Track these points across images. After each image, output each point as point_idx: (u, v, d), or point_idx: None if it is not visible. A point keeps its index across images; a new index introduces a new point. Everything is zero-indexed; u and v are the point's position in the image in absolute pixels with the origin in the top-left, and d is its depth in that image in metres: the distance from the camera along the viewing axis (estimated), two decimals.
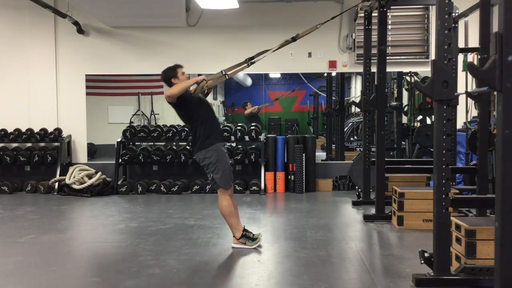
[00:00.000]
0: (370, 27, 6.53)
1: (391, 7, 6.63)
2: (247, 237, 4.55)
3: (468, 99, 5.47)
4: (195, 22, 8.41)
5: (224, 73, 4.41)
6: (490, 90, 2.69)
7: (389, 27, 7.92)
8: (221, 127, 4.74)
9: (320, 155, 10.12)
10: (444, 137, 3.41)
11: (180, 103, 4.42)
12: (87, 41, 8.54)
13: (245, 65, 4.48)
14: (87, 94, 8.80)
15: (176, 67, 4.55)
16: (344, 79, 10.43)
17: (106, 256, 4.49)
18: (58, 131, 8.43)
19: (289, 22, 8.14)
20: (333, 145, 10.29)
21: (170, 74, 4.52)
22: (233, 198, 4.62)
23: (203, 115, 4.48)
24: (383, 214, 5.74)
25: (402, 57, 8.27)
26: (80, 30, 8.41)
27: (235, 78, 12.66)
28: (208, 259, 4.28)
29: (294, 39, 4.58)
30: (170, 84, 4.51)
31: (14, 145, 8.60)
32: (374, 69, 6.26)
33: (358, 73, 11.69)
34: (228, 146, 8.72)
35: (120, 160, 8.22)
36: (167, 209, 6.58)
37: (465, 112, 5.71)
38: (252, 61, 4.50)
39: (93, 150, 9.99)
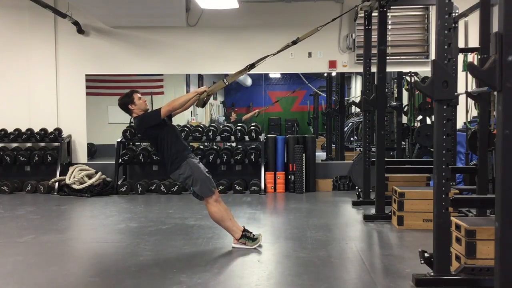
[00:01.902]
0: (370, 27, 6.53)
1: (391, 7, 6.63)
2: (247, 237, 4.55)
3: (468, 99, 5.47)
4: (195, 22, 8.41)
5: (225, 81, 4.42)
6: (490, 90, 2.69)
7: (389, 27, 7.92)
8: (186, 143, 4.77)
9: (320, 155, 10.11)
10: (444, 137, 3.41)
11: (152, 125, 4.42)
12: (87, 41, 8.54)
13: (246, 70, 4.50)
14: (87, 94, 8.80)
15: (132, 93, 4.58)
16: (344, 79, 10.42)
17: (106, 256, 4.49)
18: (58, 131, 8.43)
19: (289, 22, 8.14)
20: (333, 145, 10.29)
21: (126, 101, 4.54)
22: (221, 202, 4.60)
23: (167, 137, 4.46)
24: (383, 214, 5.74)
25: (402, 57, 8.27)
26: (80, 30, 8.41)
27: None
28: (208, 259, 4.28)
29: (294, 42, 4.57)
30: (128, 110, 4.57)
31: (14, 145, 8.60)
32: (374, 69, 6.26)
33: (358, 73, 11.66)
34: (228, 146, 8.72)
35: (120, 160, 8.22)
36: (167, 209, 6.59)
37: (465, 112, 5.71)
38: (253, 66, 4.50)
39: (93, 150, 9.98)
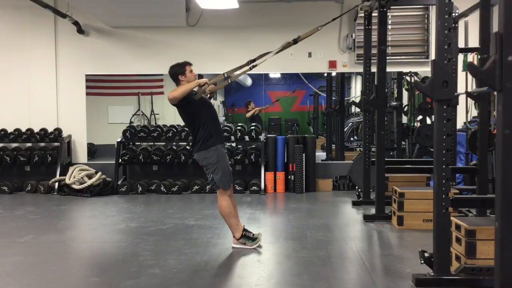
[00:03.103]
0: (370, 27, 6.52)
1: (391, 7, 6.63)
2: (247, 237, 4.55)
3: (468, 99, 5.47)
4: (195, 22, 8.41)
5: (226, 75, 4.40)
6: (490, 90, 2.69)
7: (389, 27, 7.91)
8: (221, 127, 4.72)
9: (320, 155, 10.10)
10: (444, 137, 3.41)
11: (183, 104, 4.41)
12: (87, 41, 8.54)
13: (247, 68, 4.48)
14: (87, 94, 8.80)
15: (185, 64, 4.53)
16: (344, 79, 10.41)
17: (106, 256, 4.49)
18: (58, 131, 8.43)
19: (289, 22, 8.13)
20: (333, 145, 10.28)
21: (178, 71, 4.50)
22: (232, 198, 4.62)
23: (206, 117, 4.46)
24: (383, 214, 5.74)
25: (402, 57, 8.26)
26: (80, 30, 8.41)
27: None
28: (208, 259, 4.28)
29: (295, 41, 4.57)
30: (177, 81, 4.51)
31: (14, 145, 8.59)
32: (374, 69, 6.26)
33: (358, 73, 11.66)
34: (228, 146, 8.71)
35: (120, 160, 8.22)
36: (167, 209, 6.58)
37: (465, 112, 5.71)
38: (254, 63, 4.49)
39: (93, 150, 9.98)
